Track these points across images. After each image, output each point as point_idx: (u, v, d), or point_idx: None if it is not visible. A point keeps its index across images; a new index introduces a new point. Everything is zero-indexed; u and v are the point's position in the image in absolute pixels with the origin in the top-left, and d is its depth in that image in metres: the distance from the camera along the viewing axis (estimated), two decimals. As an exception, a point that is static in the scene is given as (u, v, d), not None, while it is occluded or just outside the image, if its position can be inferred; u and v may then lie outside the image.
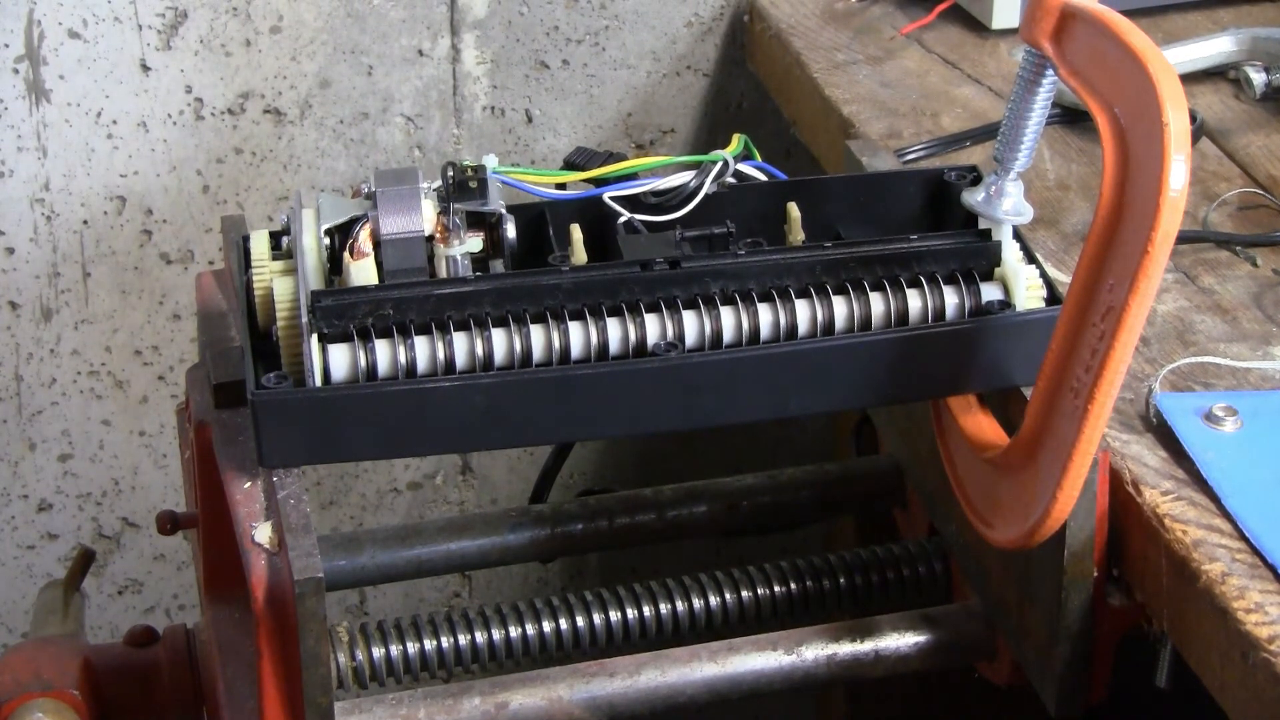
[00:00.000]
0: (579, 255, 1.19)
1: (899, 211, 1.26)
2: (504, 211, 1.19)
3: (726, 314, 1.16)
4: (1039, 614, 1.20)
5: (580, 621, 1.29)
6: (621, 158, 1.23)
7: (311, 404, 1.12)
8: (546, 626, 1.28)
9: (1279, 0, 1.69)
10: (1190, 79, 1.54)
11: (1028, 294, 1.18)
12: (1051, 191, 1.44)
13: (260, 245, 1.20)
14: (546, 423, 1.15)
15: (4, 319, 1.74)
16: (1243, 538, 1.09)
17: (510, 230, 1.19)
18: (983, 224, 1.20)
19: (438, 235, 1.17)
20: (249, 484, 1.18)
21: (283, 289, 1.16)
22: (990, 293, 1.18)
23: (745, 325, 1.16)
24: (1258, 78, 1.53)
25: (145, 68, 1.68)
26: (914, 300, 1.17)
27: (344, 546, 1.36)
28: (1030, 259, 1.20)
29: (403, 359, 1.14)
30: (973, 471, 1.21)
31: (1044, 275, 1.20)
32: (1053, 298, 1.19)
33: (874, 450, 1.57)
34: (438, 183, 1.19)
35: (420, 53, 1.74)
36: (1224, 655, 1.05)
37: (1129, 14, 1.09)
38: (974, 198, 1.19)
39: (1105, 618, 1.17)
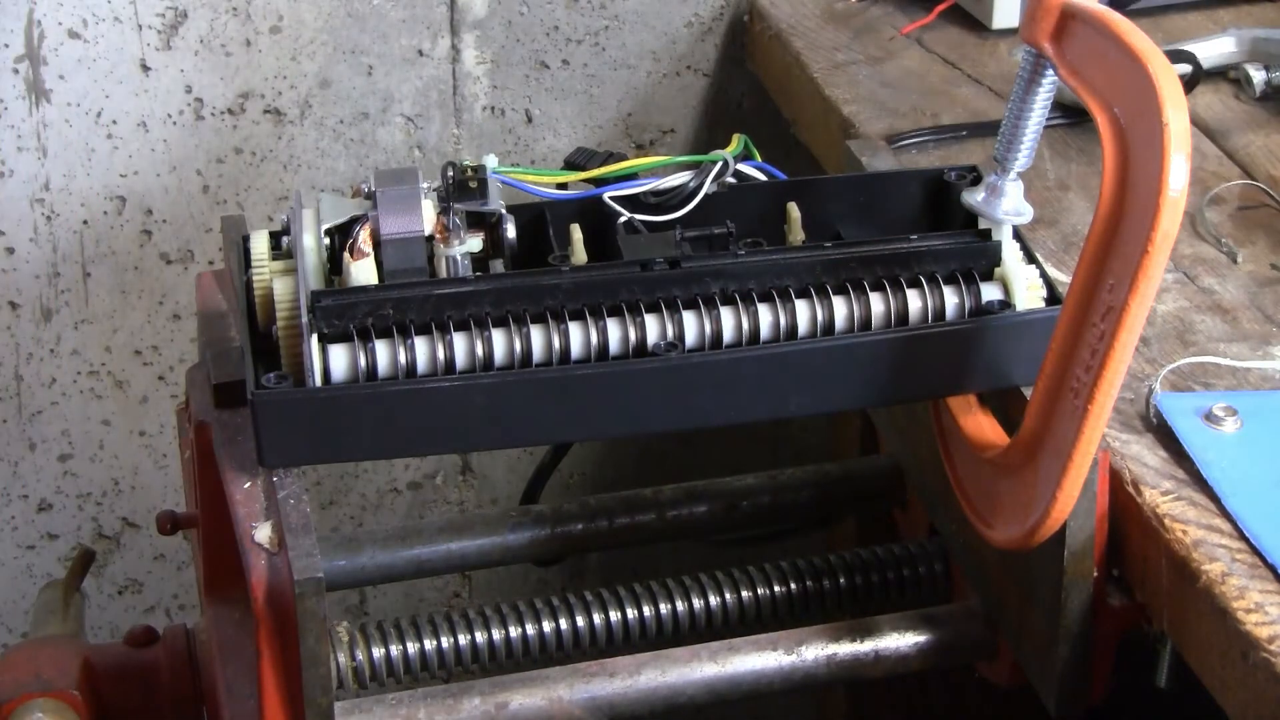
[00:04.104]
0: (579, 255, 1.19)
1: (899, 211, 1.26)
2: (504, 211, 1.19)
3: (726, 314, 1.16)
4: (1039, 614, 1.20)
5: (580, 621, 1.29)
6: (621, 158, 1.23)
7: (311, 404, 1.12)
8: (546, 626, 1.28)
9: (1279, 0, 1.69)
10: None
11: (1028, 294, 1.18)
12: (1051, 191, 1.44)
13: (260, 245, 1.20)
14: (546, 423, 1.15)
15: (4, 319, 1.74)
16: (1243, 538, 1.09)
17: (510, 230, 1.19)
18: (983, 224, 1.20)
19: (438, 235, 1.17)
20: (249, 484, 1.18)
21: (283, 289, 1.16)
22: (990, 293, 1.18)
23: (745, 325, 1.16)
24: (1257, 75, 1.53)
25: (145, 68, 1.68)
26: (914, 300, 1.18)
27: (344, 546, 1.36)
28: (1030, 259, 1.20)
29: (403, 359, 1.14)
30: (973, 471, 1.21)
31: (1044, 275, 1.20)
32: (1053, 298, 1.19)
33: (874, 450, 1.57)
34: (438, 183, 1.19)
35: (420, 53, 1.74)
36: (1224, 655, 1.05)
37: (1129, 14, 1.09)
38: (974, 198, 1.19)
39: (1105, 618, 1.17)
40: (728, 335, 1.16)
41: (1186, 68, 1.52)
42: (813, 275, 1.18)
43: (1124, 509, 1.14)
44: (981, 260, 1.19)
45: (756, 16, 1.74)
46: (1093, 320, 1.07)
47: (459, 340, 1.14)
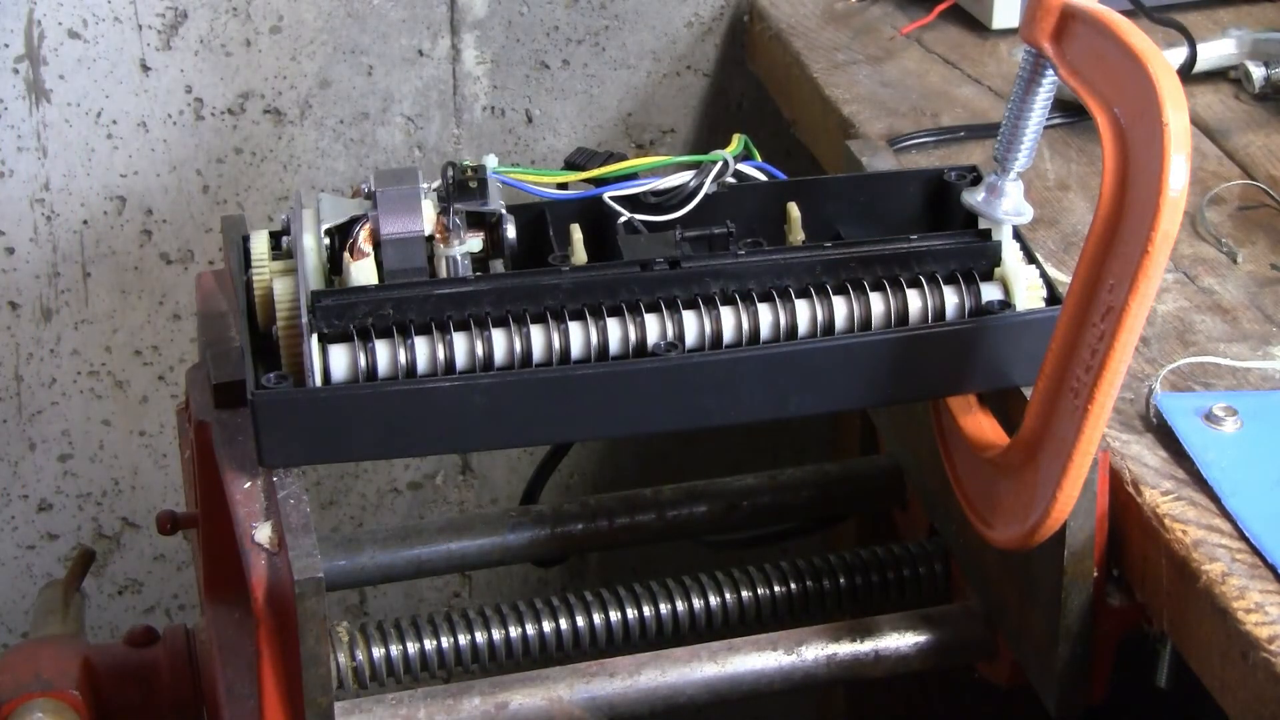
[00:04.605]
0: (579, 255, 1.19)
1: (899, 211, 1.26)
2: (504, 211, 1.19)
3: (726, 314, 1.16)
4: (1039, 614, 1.20)
5: (580, 621, 1.29)
6: (621, 158, 1.23)
7: (311, 404, 1.12)
8: (546, 626, 1.28)
9: (1279, 0, 1.69)
10: (1190, 79, 1.54)
11: (1028, 294, 1.18)
12: (1051, 191, 1.44)
13: (260, 245, 1.20)
14: (546, 423, 1.15)
15: (4, 319, 1.74)
16: (1243, 538, 1.09)
17: (510, 230, 1.19)
18: (983, 224, 1.20)
19: (438, 235, 1.17)
20: (249, 484, 1.18)
21: (283, 289, 1.16)
22: (990, 293, 1.18)
23: (745, 325, 1.16)
24: (1257, 71, 1.53)
25: (145, 68, 1.68)
26: (914, 300, 1.18)
27: (344, 546, 1.36)
28: (1030, 259, 1.20)
29: (403, 359, 1.14)
30: (973, 471, 1.21)
31: (1044, 275, 1.20)
32: (1053, 298, 1.19)
33: (874, 450, 1.57)
34: (438, 183, 1.19)
35: (420, 53, 1.74)
36: (1224, 655, 1.05)
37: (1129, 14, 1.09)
38: (974, 198, 1.19)
39: (1105, 618, 1.17)
40: (728, 335, 1.16)
41: (1182, 49, 1.52)
42: (813, 275, 1.18)
43: (1124, 509, 1.14)
44: (981, 260, 1.19)
45: (756, 16, 1.74)
46: (1093, 320, 1.07)
47: (459, 340, 1.14)
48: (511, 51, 1.76)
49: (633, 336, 1.15)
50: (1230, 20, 1.63)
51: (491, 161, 1.20)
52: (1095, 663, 1.19)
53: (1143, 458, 1.15)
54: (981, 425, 1.21)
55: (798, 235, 1.23)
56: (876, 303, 1.17)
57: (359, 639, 1.25)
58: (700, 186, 1.22)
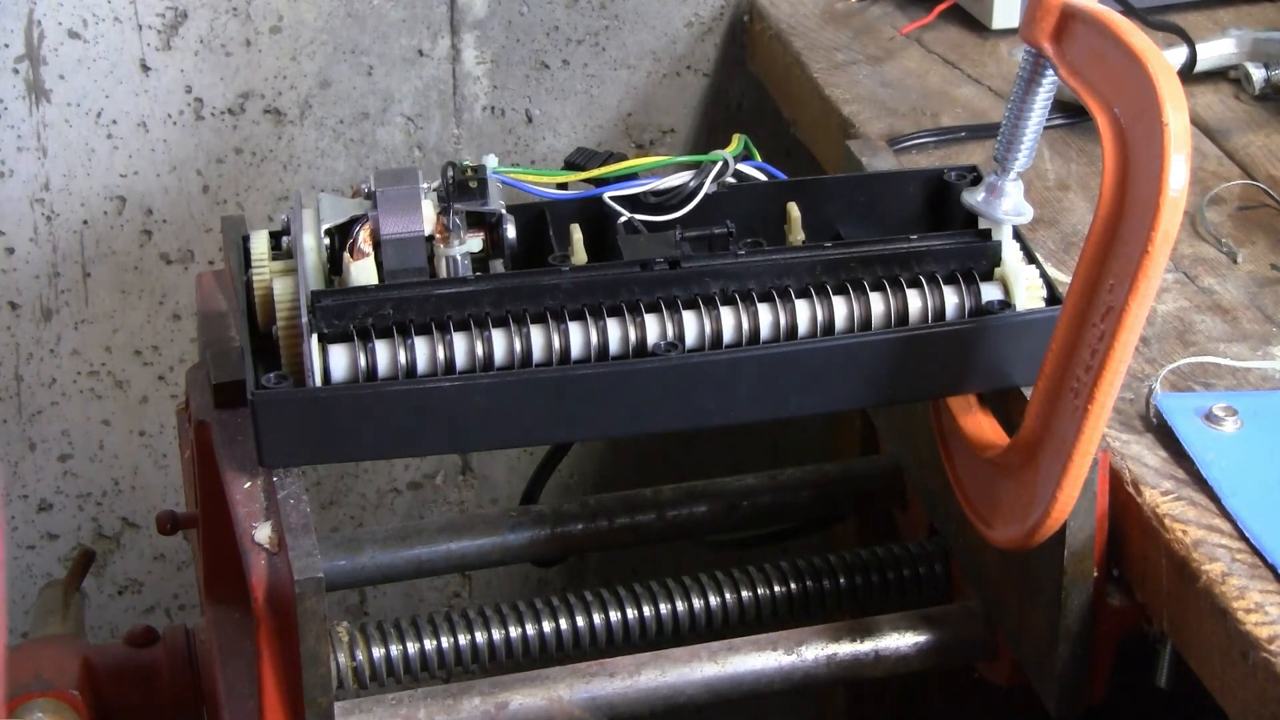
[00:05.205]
0: (579, 255, 1.19)
1: (899, 211, 1.26)
2: (504, 211, 1.19)
3: (726, 314, 1.16)
4: (1039, 614, 1.20)
5: (580, 621, 1.29)
6: (621, 158, 1.23)
7: (311, 404, 1.12)
8: (546, 626, 1.28)
9: (1279, 0, 1.69)
10: (1190, 79, 1.54)
11: (1028, 294, 1.18)
12: (1051, 191, 1.44)
13: (260, 245, 1.20)
14: (546, 423, 1.15)
15: (4, 319, 1.74)
16: (1243, 538, 1.09)
17: (510, 230, 1.19)
18: (983, 224, 1.20)
19: (438, 235, 1.17)
20: (249, 484, 1.18)
21: (283, 289, 1.16)
22: (990, 293, 1.18)
23: (745, 325, 1.16)
24: (1257, 73, 1.53)
25: (145, 68, 1.68)
26: (914, 300, 1.18)
27: (344, 546, 1.36)
28: (1030, 259, 1.20)
29: (403, 359, 1.14)
30: (973, 471, 1.21)
31: (1044, 275, 1.20)
32: (1053, 298, 1.19)
33: (874, 450, 1.57)
34: (438, 183, 1.19)
35: (420, 53, 1.74)
36: (1224, 655, 1.05)
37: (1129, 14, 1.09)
38: (974, 198, 1.19)
39: (1105, 618, 1.17)
40: (728, 335, 1.16)
41: (1181, 51, 1.52)
42: (813, 275, 1.18)
43: (1124, 509, 1.14)
44: (981, 260, 1.19)
45: (756, 16, 1.74)
46: (1093, 320, 1.07)
47: (459, 340, 1.14)
48: (511, 51, 1.76)
49: (633, 336, 1.15)
50: (1230, 20, 1.63)
51: (491, 161, 1.20)
52: (1095, 663, 1.19)
53: (1143, 458, 1.15)
54: (981, 425, 1.21)
55: (798, 235, 1.23)
56: (876, 303, 1.17)
57: (359, 639, 1.25)
58: (700, 186, 1.22)
